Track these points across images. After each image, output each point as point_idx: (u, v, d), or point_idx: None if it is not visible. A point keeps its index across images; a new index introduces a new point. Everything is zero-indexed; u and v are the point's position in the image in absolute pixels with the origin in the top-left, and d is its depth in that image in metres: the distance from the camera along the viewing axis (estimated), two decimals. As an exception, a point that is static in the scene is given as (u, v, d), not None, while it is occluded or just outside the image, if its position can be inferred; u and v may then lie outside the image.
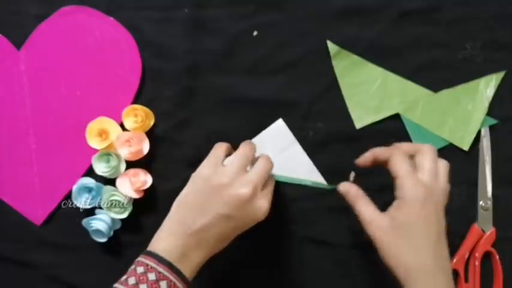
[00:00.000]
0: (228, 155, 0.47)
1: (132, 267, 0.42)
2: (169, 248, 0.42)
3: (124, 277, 0.42)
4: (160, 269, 0.41)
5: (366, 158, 0.46)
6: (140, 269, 0.41)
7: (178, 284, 0.41)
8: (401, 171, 0.42)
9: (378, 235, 0.42)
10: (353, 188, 0.45)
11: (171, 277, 0.41)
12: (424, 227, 0.41)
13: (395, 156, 0.43)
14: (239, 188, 0.42)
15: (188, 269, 0.42)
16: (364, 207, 0.43)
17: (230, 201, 0.42)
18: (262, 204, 0.44)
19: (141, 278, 0.40)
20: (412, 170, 0.42)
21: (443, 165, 0.44)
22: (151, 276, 0.40)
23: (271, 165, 0.46)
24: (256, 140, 0.53)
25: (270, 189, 0.46)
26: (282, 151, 0.53)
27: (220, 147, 0.47)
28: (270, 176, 0.47)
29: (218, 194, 0.43)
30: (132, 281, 0.40)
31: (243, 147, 0.46)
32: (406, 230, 0.41)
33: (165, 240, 0.43)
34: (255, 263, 0.54)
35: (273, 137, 0.53)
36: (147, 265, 0.41)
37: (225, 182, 0.43)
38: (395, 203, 0.42)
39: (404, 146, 0.45)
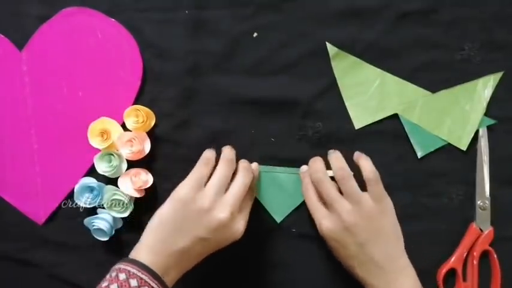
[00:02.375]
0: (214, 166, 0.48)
1: (113, 274, 0.42)
2: (149, 263, 0.43)
3: (105, 283, 0.42)
4: (143, 276, 0.42)
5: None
6: (122, 276, 0.42)
7: None
8: (311, 200, 0.50)
9: (325, 234, 0.48)
10: (309, 193, 0.51)
11: (153, 284, 0.42)
12: (339, 251, 0.48)
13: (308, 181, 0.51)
14: (218, 213, 0.44)
15: (168, 282, 0.44)
16: (315, 214, 0.50)
17: (209, 225, 0.44)
18: (239, 226, 0.46)
19: (124, 284, 0.41)
20: (318, 204, 0.49)
21: (342, 182, 0.47)
22: (133, 283, 0.41)
23: (248, 179, 0.47)
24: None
25: (247, 210, 0.49)
26: None
27: (205, 167, 0.48)
28: (249, 192, 0.49)
29: (198, 217, 0.45)
30: (114, 287, 0.41)
31: (222, 167, 0.47)
32: (333, 253, 0.50)
33: (145, 254, 0.44)
34: (254, 263, 0.54)
35: None
36: (129, 271, 0.42)
37: (205, 207, 0.45)
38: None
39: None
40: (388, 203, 0.48)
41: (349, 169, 0.48)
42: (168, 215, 0.46)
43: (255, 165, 0.52)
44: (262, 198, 0.54)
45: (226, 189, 0.47)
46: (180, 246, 0.44)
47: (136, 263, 0.43)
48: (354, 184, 0.47)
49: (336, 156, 0.50)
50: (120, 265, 0.43)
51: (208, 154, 0.49)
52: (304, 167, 0.53)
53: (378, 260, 0.46)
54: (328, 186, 0.48)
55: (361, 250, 0.45)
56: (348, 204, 0.46)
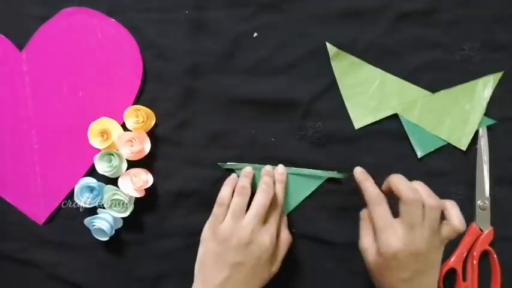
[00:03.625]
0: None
1: None
2: None
3: None
4: None
5: (386, 185, 0.47)
6: None
7: None
8: (382, 220, 0.44)
9: (367, 264, 0.46)
10: (364, 213, 0.48)
11: None
12: (394, 272, 0.44)
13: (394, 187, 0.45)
14: (240, 233, 0.46)
15: None
16: (366, 232, 0.47)
17: (235, 249, 0.45)
18: (264, 239, 0.46)
19: None
20: (392, 222, 0.44)
21: (430, 211, 0.43)
22: None
23: (268, 198, 0.48)
24: None
25: (272, 222, 0.48)
26: None
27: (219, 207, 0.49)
28: (274, 207, 0.49)
29: (227, 246, 0.46)
30: None
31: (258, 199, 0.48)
32: (381, 271, 0.45)
33: None
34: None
35: None
36: None
37: (227, 236, 0.46)
38: (377, 244, 0.44)
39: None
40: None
41: (438, 200, 0.44)
42: (205, 253, 0.48)
43: (281, 168, 0.53)
44: None
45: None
46: (220, 279, 0.45)
47: None
48: (439, 215, 0.44)
49: (420, 183, 0.46)
50: None
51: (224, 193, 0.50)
52: (358, 168, 0.49)
53: (425, 287, 0.45)
54: (419, 207, 0.43)
55: (416, 277, 0.44)
56: (426, 233, 0.43)
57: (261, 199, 0.48)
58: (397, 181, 0.45)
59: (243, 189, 0.48)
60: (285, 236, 0.50)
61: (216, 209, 0.49)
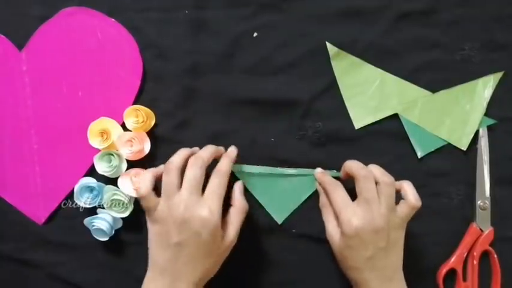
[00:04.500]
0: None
1: None
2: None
3: None
4: None
5: (343, 171, 0.50)
6: None
7: None
8: (340, 202, 0.47)
9: (334, 250, 0.48)
10: (324, 200, 0.51)
11: None
12: (356, 251, 0.45)
13: (350, 170, 0.48)
14: (173, 212, 0.44)
15: None
16: (328, 220, 0.49)
17: (173, 229, 0.44)
18: (201, 213, 0.43)
19: None
20: (350, 203, 0.46)
21: (384, 187, 0.46)
22: None
23: (198, 169, 0.45)
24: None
25: (210, 192, 0.45)
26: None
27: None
28: (216, 176, 0.46)
29: (165, 227, 0.44)
30: None
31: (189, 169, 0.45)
32: (345, 252, 0.46)
33: (148, 287, 0.45)
34: (254, 263, 0.54)
35: None
36: None
37: (163, 216, 0.45)
38: (339, 226, 0.46)
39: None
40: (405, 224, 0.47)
41: (392, 178, 0.47)
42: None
43: (232, 150, 0.51)
44: (262, 200, 0.54)
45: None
46: (163, 261, 0.44)
47: None
48: (394, 192, 0.46)
49: (375, 165, 0.48)
50: None
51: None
52: (319, 169, 0.52)
53: (389, 267, 0.46)
54: (372, 182, 0.46)
55: (379, 255, 0.45)
56: (383, 208, 0.45)
57: (189, 172, 0.45)
58: (350, 163, 0.48)
59: (170, 164, 0.46)
60: (239, 204, 0.48)
61: (142, 202, 0.46)
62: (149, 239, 0.47)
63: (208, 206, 0.44)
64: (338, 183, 0.49)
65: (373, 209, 0.45)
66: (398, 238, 0.46)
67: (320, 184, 0.51)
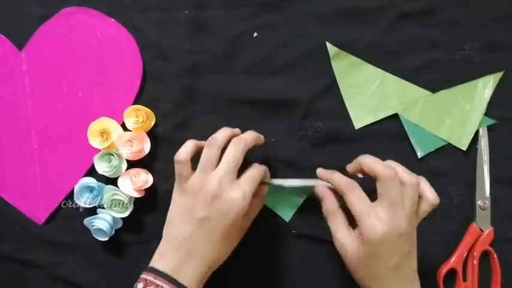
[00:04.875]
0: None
1: (135, 284, 0.43)
2: (164, 266, 0.43)
3: None
4: (159, 282, 0.41)
5: (355, 166, 0.47)
6: (140, 285, 0.42)
7: None
8: (361, 206, 0.42)
9: (347, 259, 0.44)
10: (332, 207, 0.45)
11: (159, 282, 0.41)
12: (381, 259, 0.42)
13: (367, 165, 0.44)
14: (206, 186, 0.43)
15: (187, 282, 0.42)
16: (338, 227, 0.44)
17: (201, 203, 0.43)
18: (234, 194, 0.42)
19: None
20: (372, 206, 0.42)
21: (409, 188, 0.42)
22: (140, 286, 0.41)
23: (240, 149, 0.44)
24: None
25: (247, 179, 0.44)
26: None
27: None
28: (256, 167, 0.46)
29: (194, 200, 0.43)
30: None
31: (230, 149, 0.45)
32: (367, 262, 0.42)
33: (159, 260, 0.44)
34: (254, 263, 0.54)
35: None
36: (146, 280, 0.42)
37: (195, 189, 0.44)
38: (360, 233, 0.42)
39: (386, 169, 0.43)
40: None
41: (417, 178, 0.44)
42: (171, 212, 0.46)
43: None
44: (268, 202, 0.53)
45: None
46: (183, 235, 0.43)
47: (153, 270, 0.43)
48: (418, 192, 0.43)
49: (396, 163, 0.45)
50: (141, 275, 0.43)
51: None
52: (320, 169, 0.48)
53: (412, 271, 0.44)
54: (399, 185, 0.42)
55: (404, 262, 0.42)
56: (408, 211, 0.41)
57: (230, 151, 0.44)
58: (370, 161, 0.43)
59: (213, 139, 0.45)
60: (260, 197, 0.48)
61: (177, 168, 0.45)
62: (171, 210, 0.45)
63: (243, 189, 0.43)
64: (355, 183, 0.44)
65: (398, 213, 0.41)
66: (415, 240, 0.44)
67: (334, 186, 0.45)
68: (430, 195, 0.43)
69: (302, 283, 0.54)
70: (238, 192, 0.43)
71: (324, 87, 0.53)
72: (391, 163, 0.44)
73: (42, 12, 0.54)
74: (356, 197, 0.42)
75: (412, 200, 0.42)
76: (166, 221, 0.46)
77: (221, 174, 0.43)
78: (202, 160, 0.45)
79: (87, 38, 0.54)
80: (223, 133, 0.46)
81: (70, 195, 0.54)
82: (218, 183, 0.43)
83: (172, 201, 0.46)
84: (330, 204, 0.46)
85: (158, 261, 0.44)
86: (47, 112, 0.54)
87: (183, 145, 0.47)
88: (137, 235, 0.55)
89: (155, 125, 0.54)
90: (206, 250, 0.43)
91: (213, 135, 0.46)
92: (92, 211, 0.53)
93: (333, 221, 0.45)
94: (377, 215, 0.41)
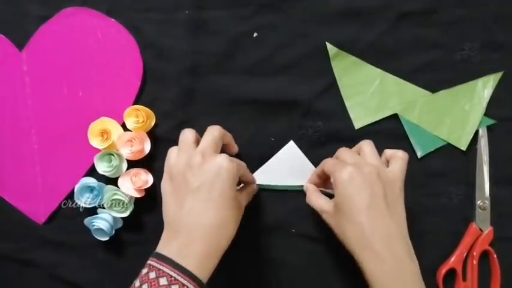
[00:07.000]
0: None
1: (144, 270, 0.42)
2: (168, 251, 0.42)
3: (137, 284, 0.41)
4: (161, 267, 0.41)
5: (313, 179, 0.51)
6: (144, 270, 0.41)
7: (181, 279, 0.40)
8: (329, 165, 0.47)
9: (328, 220, 0.46)
10: (310, 186, 0.51)
11: (160, 266, 0.41)
12: (353, 200, 0.43)
13: (324, 162, 0.49)
14: (192, 161, 0.44)
15: (191, 266, 0.41)
16: (317, 200, 0.49)
17: (191, 175, 0.43)
18: (219, 158, 0.44)
19: (143, 277, 0.41)
20: (337, 161, 0.47)
21: (366, 144, 0.47)
22: (144, 271, 0.41)
23: (220, 130, 0.47)
24: (269, 164, 0.54)
25: (233, 158, 0.46)
26: (294, 171, 0.53)
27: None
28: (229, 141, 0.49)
29: (181, 179, 0.44)
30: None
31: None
32: (341, 208, 0.44)
33: (164, 246, 0.43)
34: (254, 263, 0.54)
35: (285, 160, 0.53)
36: (150, 265, 0.41)
37: (180, 168, 0.45)
38: (333, 185, 0.45)
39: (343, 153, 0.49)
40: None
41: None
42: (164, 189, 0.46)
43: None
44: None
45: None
46: (180, 216, 0.43)
47: (153, 254, 0.43)
48: (373, 146, 0.47)
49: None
50: (150, 261, 0.42)
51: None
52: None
53: (389, 216, 0.43)
54: (346, 152, 0.48)
55: (380, 203, 0.42)
56: (369, 159, 0.46)
57: (212, 129, 0.47)
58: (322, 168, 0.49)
59: (186, 128, 0.47)
60: (253, 183, 0.51)
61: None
62: (164, 202, 0.45)
63: (226, 156, 0.44)
64: (328, 159, 0.49)
65: (360, 163, 0.45)
66: (397, 201, 0.44)
67: (322, 170, 0.49)
68: (393, 151, 0.46)
69: (302, 283, 0.54)
70: (224, 160, 0.44)
71: (324, 87, 0.53)
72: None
73: (42, 12, 0.54)
74: (330, 161, 0.48)
75: (369, 151, 0.46)
76: (163, 212, 0.45)
77: (203, 148, 0.45)
78: (179, 144, 0.46)
79: (87, 38, 0.54)
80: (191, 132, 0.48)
81: (70, 195, 0.54)
82: (202, 155, 0.44)
83: (162, 192, 0.46)
84: (309, 182, 0.52)
85: (164, 247, 0.43)
86: (47, 112, 0.54)
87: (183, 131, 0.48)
88: (137, 235, 0.55)
89: (155, 125, 0.54)
90: (206, 221, 0.43)
91: (186, 128, 0.48)
92: (92, 211, 0.53)
93: (314, 198, 0.49)
94: (344, 166, 0.44)
